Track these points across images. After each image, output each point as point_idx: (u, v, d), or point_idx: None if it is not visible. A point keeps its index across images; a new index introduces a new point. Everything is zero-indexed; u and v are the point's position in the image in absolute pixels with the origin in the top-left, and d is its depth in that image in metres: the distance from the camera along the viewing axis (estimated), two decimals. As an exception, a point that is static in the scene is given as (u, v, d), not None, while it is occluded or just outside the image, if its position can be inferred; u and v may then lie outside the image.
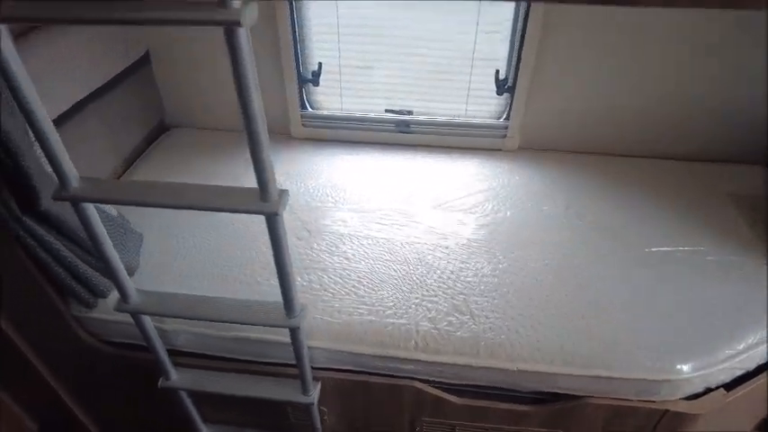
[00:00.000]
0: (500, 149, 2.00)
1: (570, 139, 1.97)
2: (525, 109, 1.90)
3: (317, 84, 1.99)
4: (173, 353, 1.31)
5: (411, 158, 1.97)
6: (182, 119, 2.14)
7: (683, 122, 1.88)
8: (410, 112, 2.04)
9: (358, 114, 2.05)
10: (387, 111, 2.04)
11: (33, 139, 1.09)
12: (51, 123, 0.85)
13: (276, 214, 0.86)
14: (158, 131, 2.11)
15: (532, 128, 1.96)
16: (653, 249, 1.51)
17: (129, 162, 1.92)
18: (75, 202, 0.92)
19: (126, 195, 0.90)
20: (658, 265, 1.47)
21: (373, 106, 2.04)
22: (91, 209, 0.95)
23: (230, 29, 0.65)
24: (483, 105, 1.97)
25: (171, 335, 1.35)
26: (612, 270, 1.44)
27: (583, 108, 1.90)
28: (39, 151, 1.11)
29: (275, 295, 1.04)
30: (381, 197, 1.75)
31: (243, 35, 0.66)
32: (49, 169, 1.14)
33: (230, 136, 2.06)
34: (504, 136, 1.97)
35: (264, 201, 0.85)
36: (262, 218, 0.89)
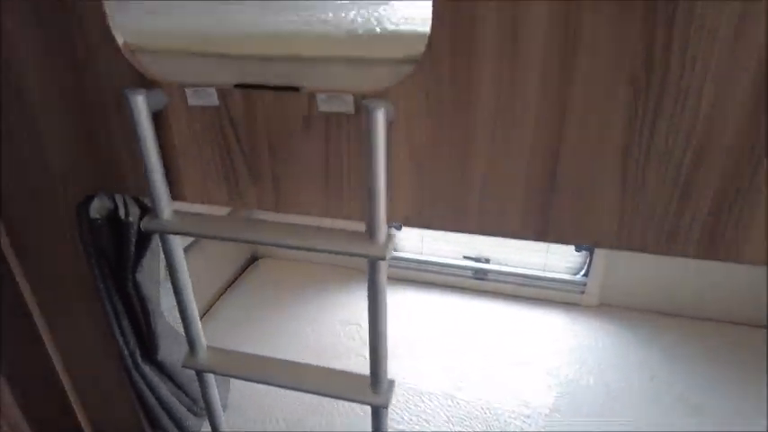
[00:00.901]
0: (578, 304, 2.00)
1: (651, 299, 1.94)
2: (605, 268, 1.93)
3: (400, 229, 2.11)
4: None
5: (488, 307, 2.00)
6: (270, 251, 2.31)
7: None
8: (487, 260, 2.10)
9: (437, 259, 2.13)
10: (465, 257, 2.12)
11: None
12: (193, 299, 0.97)
13: (384, 407, 0.91)
14: (249, 262, 2.27)
15: (611, 285, 1.96)
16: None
17: (221, 291, 2.07)
18: (201, 372, 1.01)
19: (247, 371, 0.98)
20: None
21: (452, 250, 2.13)
22: (210, 376, 1.04)
23: (374, 261, 0.75)
24: (561, 260, 2.01)
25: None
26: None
27: (664, 269, 1.89)
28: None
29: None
30: (459, 349, 1.76)
31: (383, 266, 0.75)
32: (173, 323, 1.26)
33: (310, 267, 2.21)
34: (583, 292, 1.98)
35: (374, 392, 0.91)
36: None
